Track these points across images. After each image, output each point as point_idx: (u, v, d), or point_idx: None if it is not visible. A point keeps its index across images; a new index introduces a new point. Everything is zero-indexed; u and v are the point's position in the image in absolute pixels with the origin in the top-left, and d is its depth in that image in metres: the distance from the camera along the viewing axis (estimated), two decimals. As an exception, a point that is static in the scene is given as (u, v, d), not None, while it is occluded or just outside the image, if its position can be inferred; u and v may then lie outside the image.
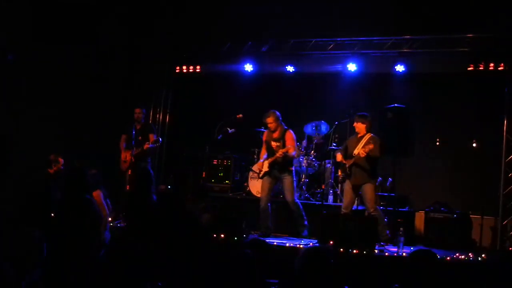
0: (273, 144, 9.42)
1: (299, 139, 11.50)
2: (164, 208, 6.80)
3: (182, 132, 12.66)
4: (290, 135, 9.39)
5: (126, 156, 10.23)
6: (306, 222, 9.42)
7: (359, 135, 9.02)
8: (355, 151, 8.81)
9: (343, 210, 9.09)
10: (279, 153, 9.14)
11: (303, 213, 9.44)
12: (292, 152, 9.27)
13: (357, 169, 8.88)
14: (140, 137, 10.20)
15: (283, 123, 9.48)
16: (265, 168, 9.43)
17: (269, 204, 9.42)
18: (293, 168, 9.64)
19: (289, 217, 10.18)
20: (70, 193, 6.10)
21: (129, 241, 6.04)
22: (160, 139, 10.53)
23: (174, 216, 6.58)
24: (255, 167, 9.61)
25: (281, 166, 9.36)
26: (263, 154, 9.64)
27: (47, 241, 4.23)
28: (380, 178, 9.69)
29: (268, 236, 9.15)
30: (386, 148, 8.98)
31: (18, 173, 10.08)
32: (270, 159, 9.38)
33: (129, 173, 10.12)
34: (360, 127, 9.00)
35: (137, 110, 10.46)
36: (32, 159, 10.21)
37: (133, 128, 10.20)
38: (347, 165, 8.97)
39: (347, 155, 9.04)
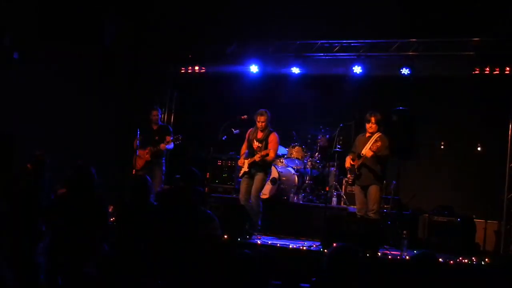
0: (255, 143, 9.47)
1: (303, 141, 11.54)
2: (172, 204, 6.78)
3: (187, 132, 12.64)
4: (274, 138, 9.41)
5: (143, 154, 10.32)
6: (260, 222, 9.43)
7: (367, 134, 8.88)
8: (363, 151, 8.70)
9: (358, 214, 8.97)
10: (257, 156, 9.22)
11: (261, 213, 9.44)
12: (271, 157, 9.36)
13: (365, 169, 8.74)
14: (157, 137, 10.32)
15: (269, 125, 9.51)
16: (245, 168, 9.48)
17: (249, 201, 9.42)
18: (270, 170, 9.79)
19: (292, 218, 10.21)
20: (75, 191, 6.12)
21: (130, 240, 6.05)
22: (181, 135, 10.55)
23: (180, 214, 6.57)
24: (239, 163, 9.66)
25: (259, 167, 9.40)
26: (244, 150, 9.67)
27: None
28: (394, 182, 9.65)
29: (254, 232, 9.17)
30: (393, 148, 8.92)
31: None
32: (249, 160, 9.43)
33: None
34: (374, 127, 8.82)
35: (154, 113, 10.66)
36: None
37: (137, 131, 10.34)
38: (356, 166, 8.83)
39: (356, 155, 8.90)
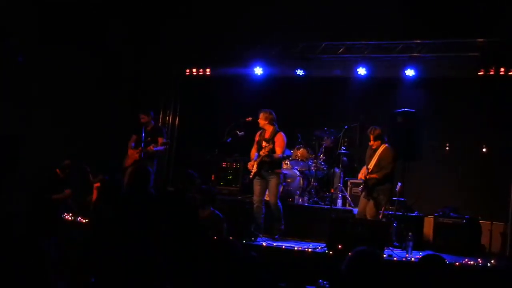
0: (263, 144, 9.49)
1: (308, 143, 11.52)
2: (170, 206, 6.80)
3: (192, 134, 12.68)
4: (281, 137, 9.45)
5: (133, 153, 10.38)
6: (282, 226, 9.50)
7: (374, 147, 9.06)
8: (369, 166, 8.89)
9: (357, 216, 9.19)
10: (263, 151, 9.26)
11: (282, 217, 9.51)
12: (278, 154, 9.39)
13: (367, 185, 8.98)
14: (149, 138, 10.34)
15: (276, 125, 9.54)
16: (254, 169, 9.49)
17: (263, 205, 9.52)
18: (281, 171, 9.76)
19: (297, 220, 10.19)
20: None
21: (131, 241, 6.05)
22: (168, 140, 10.60)
23: (178, 215, 6.58)
24: (249, 166, 9.68)
25: (268, 167, 9.42)
26: (254, 153, 9.69)
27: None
28: (399, 183, 9.67)
29: (259, 234, 9.23)
30: (397, 155, 9.02)
31: (27, 174, 10.15)
32: (258, 159, 9.45)
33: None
34: (371, 139, 9.05)
35: (141, 116, 10.58)
36: (41, 160, 10.27)
37: (143, 130, 10.35)
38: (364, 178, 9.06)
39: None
